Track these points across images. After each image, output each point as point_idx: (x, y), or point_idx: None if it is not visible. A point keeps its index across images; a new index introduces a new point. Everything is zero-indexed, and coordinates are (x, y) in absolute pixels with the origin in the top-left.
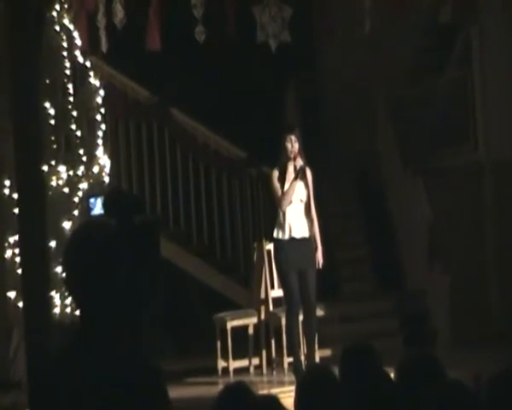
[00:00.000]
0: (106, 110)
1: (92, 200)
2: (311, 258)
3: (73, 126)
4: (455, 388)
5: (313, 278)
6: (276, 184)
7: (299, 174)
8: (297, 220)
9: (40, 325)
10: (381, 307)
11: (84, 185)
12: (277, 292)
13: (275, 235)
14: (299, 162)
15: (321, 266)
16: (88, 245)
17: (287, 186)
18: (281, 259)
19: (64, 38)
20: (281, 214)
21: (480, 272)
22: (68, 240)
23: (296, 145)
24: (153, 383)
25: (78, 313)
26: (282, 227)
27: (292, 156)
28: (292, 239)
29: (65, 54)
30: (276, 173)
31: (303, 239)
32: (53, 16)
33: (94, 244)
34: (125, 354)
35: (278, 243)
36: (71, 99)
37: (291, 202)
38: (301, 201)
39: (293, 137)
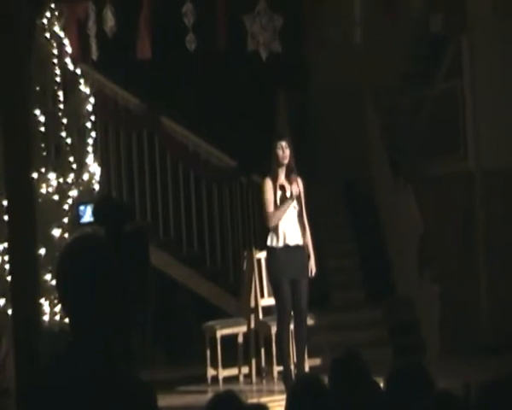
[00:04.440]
0: (96, 118)
1: (82, 207)
2: (304, 267)
3: (63, 134)
4: (444, 397)
5: (306, 287)
6: (268, 197)
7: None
8: (291, 228)
9: (29, 333)
10: (370, 316)
11: (73, 193)
12: (267, 301)
13: (268, 242)
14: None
15: (314, 274)
16: (81, 261)
17: (279, 194)
18: (274, 267)
19: (54, 45)
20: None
21: (470, 281)
22: (61, 256)
23: (287, 151)
24: (144, 400)
25: (68, 322)
26: (275, 235)
27: (283, 162)
28: (286, 247)
29: (55, 61)
30: (268, 182)
31: (296, 247)
32: (43, 24)
33: (87, 260)
34: (118, 366)
35: (272, 250)
36: (61, 106)
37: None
38: (294, 208)
39: (283, 144)
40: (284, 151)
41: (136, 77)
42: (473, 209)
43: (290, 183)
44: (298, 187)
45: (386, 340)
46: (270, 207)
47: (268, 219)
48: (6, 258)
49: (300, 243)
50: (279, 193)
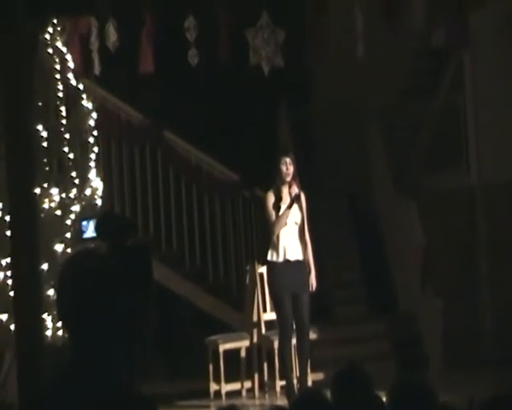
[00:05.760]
0: (98, 133)
1: (84, 223)
2: (304, 281)
3: (66, 149)
4: None
5: (307, 302)
6: (270, 209)
7: (294, 202)
8: (291, 243)
9: (32, 348)
10: (373, 331)
11: (76, 208)
12: (270, 315)
13: (269, 257)
14: (295, 190)
15: (314, 289)
16: (82, 276)
17: (282, 208)
18: (274, 282)
19: (57, 60)
20: (275, 237)
21: (472, 295)
22: (61, 272)
23: (291, 168)
24: None
25: (68, 337)
26: (276, 250)
27: (287, 179)
28: (286, 262)
29: (58, 76)
30: (270, 196)
31: (297, 262)
32: (46, 39)
33: (88, 275)
34: (120, 381)
35: (272, 265)
36: (63, 121)
37: (286, 224)
38: (296, 223)
39: (288, 160)
40: (288, 168)
41: (138, 91)
42: (475, 223)
43: (289, 186)
44: (296, 191)
45: (389, 354)
46: (272, 217)
47: (271, 228)
48: (9, 273)
49: (301, 258)
50: (282, 207)
